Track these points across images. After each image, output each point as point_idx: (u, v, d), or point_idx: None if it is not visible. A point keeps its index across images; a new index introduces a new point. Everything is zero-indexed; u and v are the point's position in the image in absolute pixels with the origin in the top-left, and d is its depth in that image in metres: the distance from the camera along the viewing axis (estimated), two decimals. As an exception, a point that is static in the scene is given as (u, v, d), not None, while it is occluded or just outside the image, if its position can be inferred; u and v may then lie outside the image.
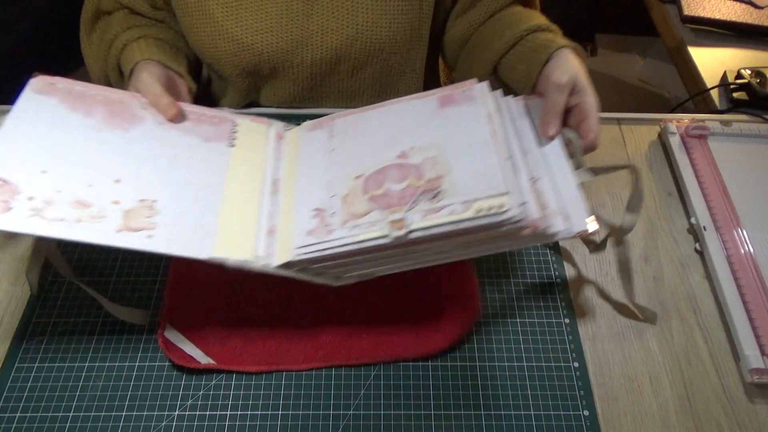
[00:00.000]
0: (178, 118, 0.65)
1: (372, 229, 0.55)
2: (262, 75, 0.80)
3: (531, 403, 0.61)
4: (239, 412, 0.59)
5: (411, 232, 0.53)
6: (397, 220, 0.54)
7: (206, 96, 0.90)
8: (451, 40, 0.84)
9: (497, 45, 0.76)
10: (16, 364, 0.62)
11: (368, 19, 0.76)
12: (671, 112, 0.99)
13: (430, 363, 0.63)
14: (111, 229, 0.55)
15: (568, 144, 0.66)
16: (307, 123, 0.69)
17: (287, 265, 0.57)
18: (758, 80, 0.92)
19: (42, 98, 0.62)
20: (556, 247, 0.73)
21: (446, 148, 0.59)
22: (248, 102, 0.86)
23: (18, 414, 0.59)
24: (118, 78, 0.77)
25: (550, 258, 0.72)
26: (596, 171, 0.66)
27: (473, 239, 0.56)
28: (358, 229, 0.55)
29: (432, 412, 0.60)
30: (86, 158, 0.59)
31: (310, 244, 0.55)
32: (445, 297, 0.67)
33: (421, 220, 0.54)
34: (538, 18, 0.77)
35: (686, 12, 1.11)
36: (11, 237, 0.72)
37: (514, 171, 0.58)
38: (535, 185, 0.60)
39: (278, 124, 0.70)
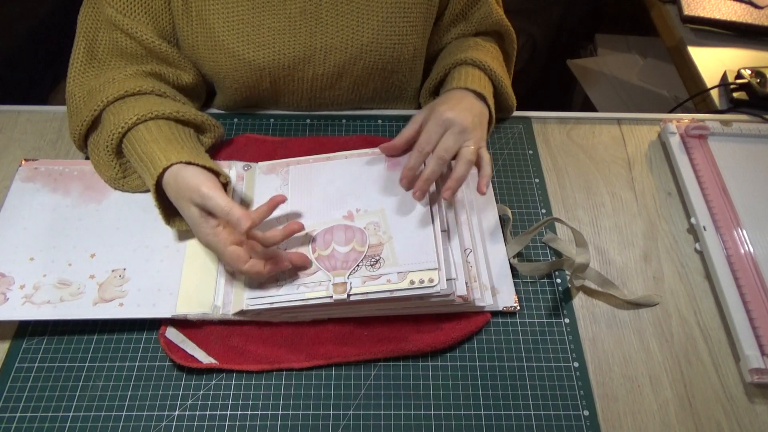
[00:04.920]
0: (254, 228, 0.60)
1: (317, 289, 0.61)
2: (261, 89, 0.80)
3: (531, 403, 0.61)
4: (239, 412, 0.59)
5: (351, 295, 0.60)
6: (339, 284, 0.61)
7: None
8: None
9: (433, 73, 0.81)
10: (16, 364, 0.62)
11: (374, 39, 0.76)
12: (671, 112, 0.99)
13: (430, 363, 0.63)
14: (88, 303, 0.63)
15: (502, 217, 0.74)
16: (263, 165, 0.76)
17: (242, 313, 0.63)
18: (758, 80, 0.92)
19: (27, 186, 0.72)
20: (556, 251, 0.73)
21: (388, 215, 0.67)
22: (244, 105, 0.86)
23: (18, 414, 0.59)
24: (112, 155, 0.70)
25: (550, 259, 0.72)
26: (522, 239, 0.71)
27: (409, 303, 0.63)
28: (305, 287, 0.62)
29: (432, 412, 0.60)
30: (66, 237, 0.68)
31: (261, 297, 0.62)
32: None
33: (360, 285, 0.61)
34: (469, 51, 0.77)
35: (686, 12, 1.11)
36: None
37: (449, 243, 0.66)
38: (468, 257, 0.67)
39: (238, 165, 0.75)
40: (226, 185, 0.68)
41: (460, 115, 0.67)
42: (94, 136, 0.73)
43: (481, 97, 0.72)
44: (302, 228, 0.64)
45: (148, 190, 0.69)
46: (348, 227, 0.66)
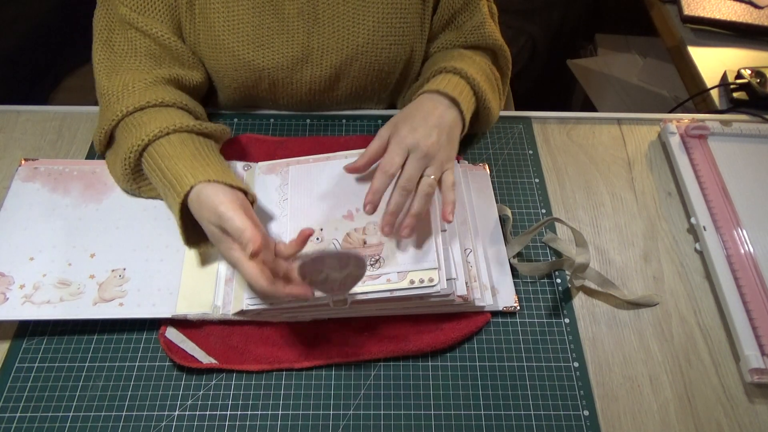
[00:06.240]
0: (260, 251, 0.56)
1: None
2: (260, 89, 0.80)
3: (531, 403, 0.61)
4: (239, 412, 0.59)
5: (351, 295, 0.59)
6: (339, 300, 0.60)
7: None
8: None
9: (416, 83, 0.79)
10: (16, 364, 0.62)
11: (370, 39, 0.75)
12: (671, 112, 0.99)
13: (430, 363, 0.63)
14: (88, 303, 0.62)
15: (502, 217, 0.73)
16: (263, 165, 0.75)
17: (242, 313, 0.62)
18: (758, 80, 0.92)
19: (27, 185, 0.72)
20: (556, 251, 0.73)
21: None
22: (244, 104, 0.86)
23: (18, 414, 0.59)
24: (129, 171, 0.68)
25: (550, 259, 0.72)
26: (522, 239, 0.71)
27: (409, 303, 0.63)
28: None
29: (432, 412, 0.60)
30: (66, 237, 0.68)
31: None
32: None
33: (361, 284, 0.59)
34: (451, 61, 0.74)
35: (686, 12, 1.11)
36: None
37: (449, 243, 0.65)
38: (468, 257, 0.67)
39: (238, 165, 0.75)
40: (253, 203, 0.65)
41: (423, 137, 0.63)
42: (114, 147, 0.72)
43: (454, 102, 0.68)
44: (312, 232, 0.60)
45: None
46: (341, 254, 0.56)
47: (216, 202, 0.59)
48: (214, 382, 0.61)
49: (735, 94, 0.94)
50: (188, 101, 0.73)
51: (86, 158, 0.78)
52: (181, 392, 0.60)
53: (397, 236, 0.63)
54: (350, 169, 0.68)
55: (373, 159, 0.67)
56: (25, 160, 0.74)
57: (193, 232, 0.64)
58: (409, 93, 0.82)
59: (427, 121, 0.65)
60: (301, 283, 0.57)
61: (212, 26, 0.73)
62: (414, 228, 0.62)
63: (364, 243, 0.64)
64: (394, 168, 0.62)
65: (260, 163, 0.76)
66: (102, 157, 0.76)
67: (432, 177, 0.63)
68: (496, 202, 0.75)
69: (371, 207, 0.63)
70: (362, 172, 0.69)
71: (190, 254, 0.67)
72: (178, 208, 0.61)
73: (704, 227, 0.74)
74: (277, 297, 0.58)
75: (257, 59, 0.75)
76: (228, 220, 0.57)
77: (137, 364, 0.62)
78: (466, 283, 0.63)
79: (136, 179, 0.70)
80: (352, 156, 0.73)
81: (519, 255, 0.72)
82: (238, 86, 0.79)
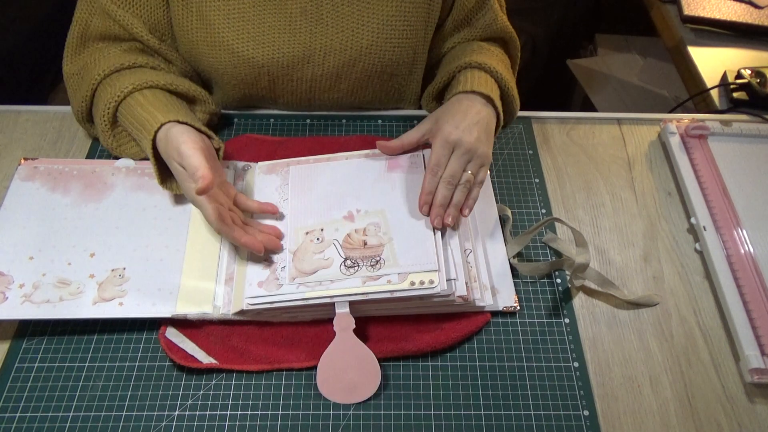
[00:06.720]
0: (209, 188, 0.60)
1: (317, 288, 0.61)
2: (259, 87, 0.80)
3: (531, 403, 0.61)
4: (239, 412, 0.59)
5: (352, 295, 0.60)
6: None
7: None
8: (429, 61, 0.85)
9: (437, 78, 0.80)
10: (16, 364, 0.62)
11: (373, 41, 0.76)
12: (671, 112, 0.99)
13: (430, 363, 0.63)
14: (88, 303, 0.63)
15: (502, 216, 0.74)
16: (263, 165, 0.75)
17: (241, 313, 0.62)
18: (758, 80, 0.92)
19: (27, 185, 0.72)
20: (556, 251, 0.73)
21: (389, 216, 0.67)
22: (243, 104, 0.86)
23: (18, 414, 0.59)
24: (108, 125, 0.72)
25: (550, 259, 0.72)
26: (522, 239, 0.71)
27: (409, 304, 0.63)
28: (305, 287, 0.61)
29: (432, 412, 0.60)
30: (66, 236, 0.68)
31: (260, 296, 0.61)
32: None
33: (361, 285, 0.61)
34: (474, 55, 0.76)
35: (686, 12, 1.11)
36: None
37: (449, 243, 0.66)
38: (468, 257, 0.67)
39: (238, 165, 0.76)
40: (219, 150, 0.70)
41: (465, 134, 0.67)
42: (93, 109, 0.75)
43: (489, 100, 0.71)
44: (277, 211, 0.68)
45: (144, 158, 0.73)
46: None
47: (180, 141, 0.63)
48: (214, 382, 0.61)
49: (735, 94, 0.94)
50: (161, 63, 0.76)
51: (86, 158, 0.78)
52: (181, 392, 0.60)
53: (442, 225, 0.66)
54: (382, 146, 0.73)
55: (407, 147, 0.72)
56: (25, 159, 0.74)
57: (167, 171, 0.68)
58: (431, 88, 0.82)
59: (467, 118, 0.68)
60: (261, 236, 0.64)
61: (211, 24, 0.73)
62: (456, 217, 0.67)
63: (365, 244, 0.65)
64: (443, 170, 0.67)
65: (260, 163, 0.75)
66: (101, 156, 0.77)
67: (470, 172, 0.67)
68: (496, 202, 0.75)
69: (428, 207, 0.67)
70: (392, 154, 0.73)
71: (190, 254, 0.67)
72: (150, 145, 0.66)
73: (704, 227, 0.74)
74: (231, 239, 0.63)
75: (257, 56, 0.75)
76: (186, 157, 0.62)
77: (137, 364, 0.62)
78: (466, 284, 0.63)
79: (116, 135, 0.74)
80: (353, 157, 0.73)
81: (519, 255, 0.72)
82: (237, 83, 0.79)
